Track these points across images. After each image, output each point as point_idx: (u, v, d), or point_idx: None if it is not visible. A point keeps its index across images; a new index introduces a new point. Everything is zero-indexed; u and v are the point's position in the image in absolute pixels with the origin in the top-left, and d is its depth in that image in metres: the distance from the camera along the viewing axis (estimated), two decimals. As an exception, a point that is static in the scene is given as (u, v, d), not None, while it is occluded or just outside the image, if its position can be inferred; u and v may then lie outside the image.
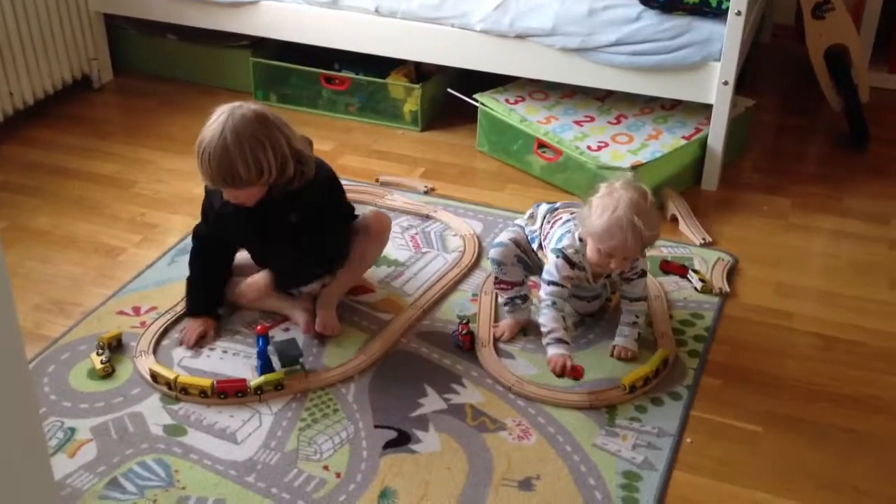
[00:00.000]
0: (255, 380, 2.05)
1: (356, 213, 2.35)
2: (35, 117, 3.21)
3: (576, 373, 2.03)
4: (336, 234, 2.26)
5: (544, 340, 2.09)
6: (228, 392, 2.03)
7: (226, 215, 2.15)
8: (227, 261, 2.29)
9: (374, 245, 2.34)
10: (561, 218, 2.18)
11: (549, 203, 2.26)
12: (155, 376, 2.07)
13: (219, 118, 2.01)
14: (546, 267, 2.12)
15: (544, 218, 2.21)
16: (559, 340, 2.06)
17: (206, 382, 2.04)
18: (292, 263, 2.25)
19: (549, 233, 2.17)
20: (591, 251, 2.06)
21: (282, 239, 2.19)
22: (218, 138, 1.98)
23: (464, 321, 2.24)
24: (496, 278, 2.26)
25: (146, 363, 2.12)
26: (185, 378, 2.06)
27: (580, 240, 2.09)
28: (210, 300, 2.26)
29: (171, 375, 2.06)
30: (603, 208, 2.00)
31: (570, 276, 2.09)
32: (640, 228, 1.98)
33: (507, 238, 2.23)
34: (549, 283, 2.10)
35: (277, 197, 2.09)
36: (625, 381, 2.07)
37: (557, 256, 2.09)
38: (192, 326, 2.22)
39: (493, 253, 2.23)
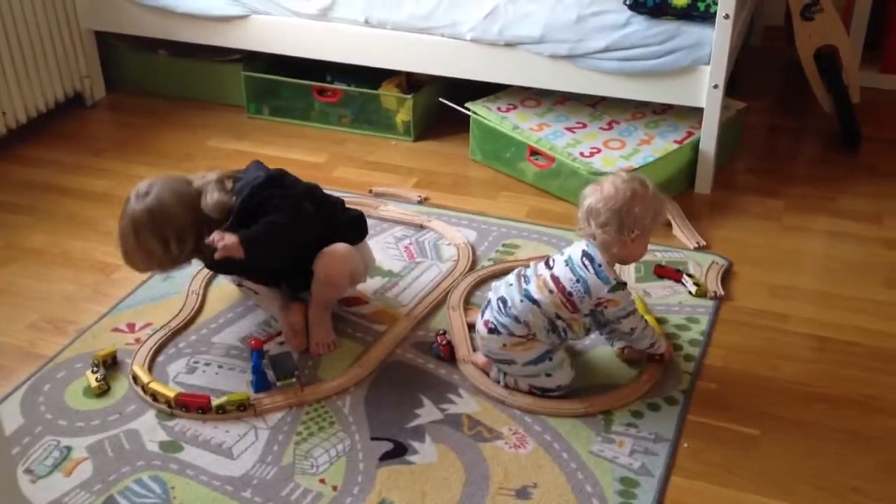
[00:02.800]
0: (217, 399, 2.04)
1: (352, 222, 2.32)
2: (28, 135, 3.21)
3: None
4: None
5: (657, 345, 2.13)
6: (190, 407, 2.04)
7: None
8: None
9: (322, 288, 2.23)
10: (546, 279, 2.03)
11: (504, 285, 2.09)
12: (136, 378, 2.12)
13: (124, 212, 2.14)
14: (618, 303, 2.01)
15: (533, 289, 2.03)
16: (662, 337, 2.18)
17: (170, 392, 2.05)
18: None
19: (566, 290, 2.00)
20: (637, 247, 2.02)
21: None
22: (123, 233, 2.13)
23: (440, 332, 2.24)
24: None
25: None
26: (155, 385, 2.08)
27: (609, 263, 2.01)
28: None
29: (145, 379, 2.09)
30: (633, 193, 1.96)
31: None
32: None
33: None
34: (630, 312, 2.04)
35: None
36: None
37: (616, 290, 2.00)
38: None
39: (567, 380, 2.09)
